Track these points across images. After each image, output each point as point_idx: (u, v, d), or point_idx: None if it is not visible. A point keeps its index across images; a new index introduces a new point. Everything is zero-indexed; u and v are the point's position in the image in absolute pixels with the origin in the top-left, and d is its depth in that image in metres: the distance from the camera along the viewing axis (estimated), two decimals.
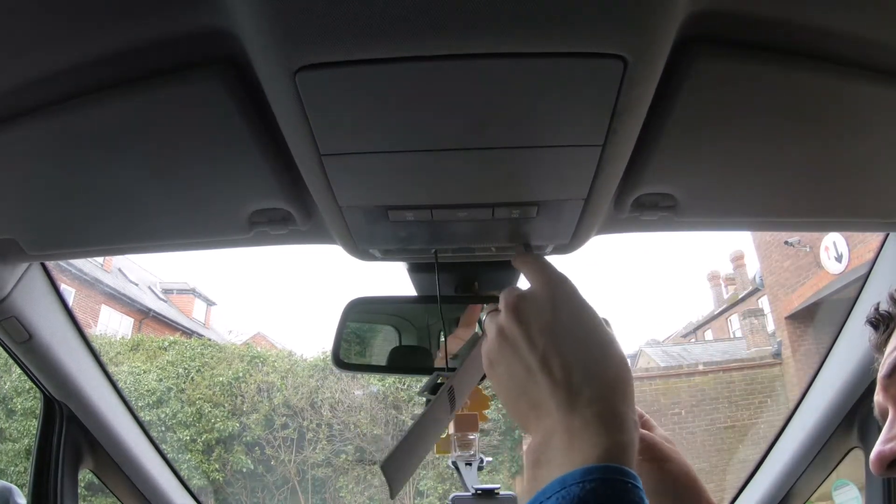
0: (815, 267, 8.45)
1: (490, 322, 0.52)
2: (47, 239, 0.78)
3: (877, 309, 0.64)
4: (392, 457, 0.57)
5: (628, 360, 0.50)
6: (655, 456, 0.67)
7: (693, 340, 20.51)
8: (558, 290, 0.50)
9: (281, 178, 0.62)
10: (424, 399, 0.76)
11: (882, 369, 0.59)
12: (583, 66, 0.44)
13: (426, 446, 0.64)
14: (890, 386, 0.57)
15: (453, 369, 0.66)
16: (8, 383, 7.60)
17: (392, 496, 0.59)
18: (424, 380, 0.81)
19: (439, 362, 0.88)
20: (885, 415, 0.58)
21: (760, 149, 0.61)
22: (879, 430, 0.61)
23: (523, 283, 0.91)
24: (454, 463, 1.26)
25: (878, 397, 0.60)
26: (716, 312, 20.97)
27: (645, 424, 0.70)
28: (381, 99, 0.47)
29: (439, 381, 0.74)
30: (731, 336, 17.94)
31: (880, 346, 0.62)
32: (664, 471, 0.66)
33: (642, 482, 0.53)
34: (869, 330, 0.64)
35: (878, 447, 0.56)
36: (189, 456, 8.01)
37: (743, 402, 9.27)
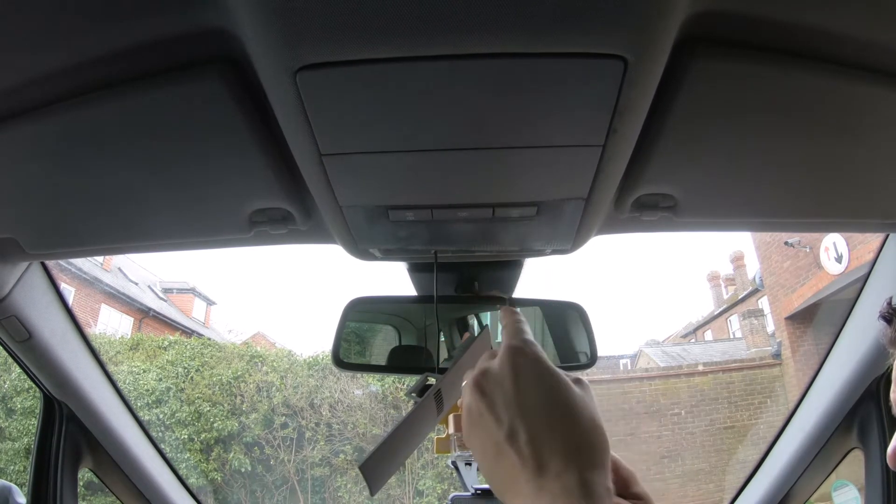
0: (815, 267, 8.45)
1: (463, 397, 0.53)
2: (47, 238, 0.78)
3: (889, 303, 0.63)
4: (372, 458, 0.58)
5: (599, 423, 0.48)
6: None
7: (693, 341, 20.51)
8: (519, 359, 0.50)
9: (281, 177, 0.62)
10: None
11: None
12: (583, 66, 0.44)
13: (409, 448, 0.64)
14: None
15: (444, 370, 0.66)
16: (7, 382, 7.59)
17: (371, 494, 0.59)
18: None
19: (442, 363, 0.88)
20: None
21: (760, 149, 0.61)
22: (883, 429, 0.60)
23: (522, 284, 0.91)
24: (454, 463, 1.25)
25: (894, 394, 0.59)
26: (715, 313, 20.96)
27: (625, 481, 0.64)
28: (381, 99, 0.47)
29: (428, 382, 0.73)
30: (731, 336, 17.94)
31: (894, 341, 0.61)
32: None
33: None
34: (882, 325, 0.64)
35: (894, 443, 0.56)
36: (188, 455, 8.01)
37: (742, 403, 9.27)
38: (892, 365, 0.62)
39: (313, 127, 0.50)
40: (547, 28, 0.41)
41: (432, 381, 0.69)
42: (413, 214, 0.64)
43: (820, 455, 1.09)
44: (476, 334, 0.69)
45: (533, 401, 0.47)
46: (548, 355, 0.94)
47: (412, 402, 0.65)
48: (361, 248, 0.75)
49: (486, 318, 0.97)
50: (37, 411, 1.13)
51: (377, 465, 0.59)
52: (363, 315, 0.96)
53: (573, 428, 0.46)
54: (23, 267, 0.92)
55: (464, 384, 0.53)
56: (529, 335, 0.53)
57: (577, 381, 0.51)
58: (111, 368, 1.24)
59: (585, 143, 0.53)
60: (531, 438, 0.45)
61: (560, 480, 0.43)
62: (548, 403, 0.47)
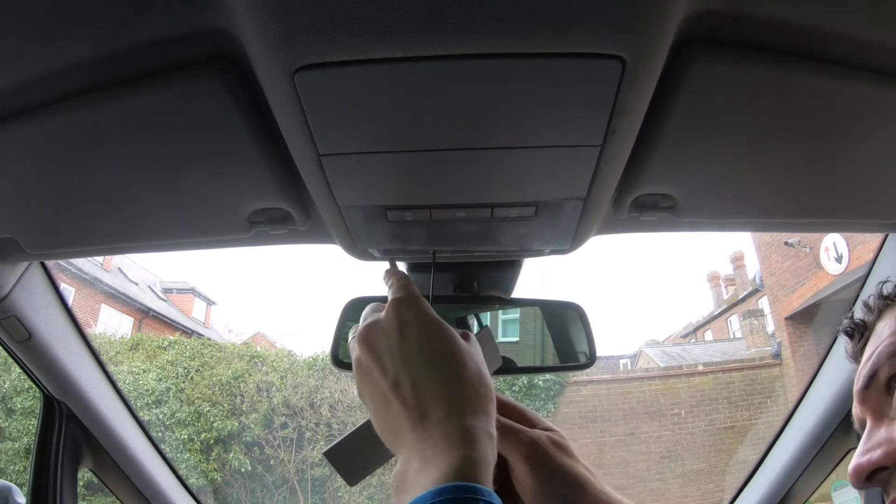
0: (815, 268, 8.45)
1: (352, 352, 0.53)
2: (47, 238, 0.78)
3: (851, 318, 0.63)
4: (337, 445, 0.58)
5: (485, 373, 0.49)
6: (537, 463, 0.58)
7: (693, 341, 20.52)
8: (403, 311, 0.50)
9: (280, 177, 0.62)
10: None
11: (858, 382, 0.58)
12: (581, 66, 0.44)
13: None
14: (867, 398, 0.56)
15: None
16: (7, 382, 7.59)
17: (349, 484, 0.59)
18: None
19: None
20: (863, 426, 0.57)
21: (760, 149, 0.61)
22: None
23: (522, 284, 0.91)
24: None
25: (856, 410, 0.58)
26: (715, 313, 20.97)
27: (531, 420, 0.63)
28: (379, 99, 0.47)
29: None
30: (731, 337, 17.95)
31: (856, 356, 0.61)
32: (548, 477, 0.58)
33: (528, 488, 0.53)
34: (844, 340, 0.63)
35: (855, 459, 0.54)
36: (188, 455, 8.01)
37: (742, 403, 9.28)
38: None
39: (311, 127, 0.50)
40: (544, 28, 0.41)
41: None
42: (411, 214, 0.64)
43: (819, 455, 1.10)
44: (475, 333, 0.69)
45: (417, 351, 0.48)
46: (547, 355, 0.94)
47: None
48: (360, 248, 0.75)
49: (486, 318, 0.97)
50: (37, 411, 1.13)
51: (344, 454, 0.59)
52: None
53: (456, 376, 0.47)
54: (23, 267, 0.93)
55: (350, 339, 0.54)
56: (415, 290, 0.54)
57: (465, 336, 0.52)
58: (111, 368, 1.24)
59: (584, 143, 0.53)
60: (414, 387, 0.46)
61: (442, 427, 0.43)
62: (431, 353, 0.48)
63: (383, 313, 0.51)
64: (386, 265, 0.67)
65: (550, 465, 0.57)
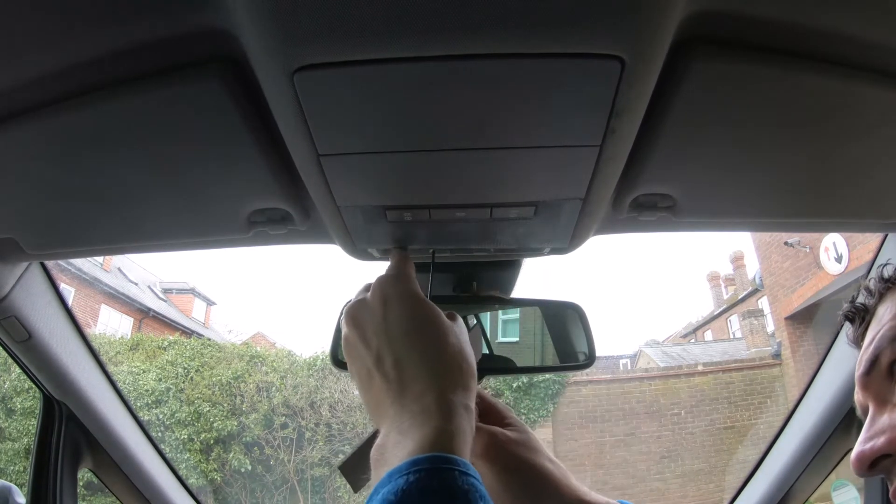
0: (815, 268, 8.45)
1: (342, 328, 0.55)
2: (47, 239, 0.79)
3: (852, 302, 0.62)
4: (351, 458, 0.60)
5: (466, 351, 0.50)
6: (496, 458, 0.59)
7: (693, 341, 20.53)
8: (388, 289, 0.52)
9: (280, 178, 0.62)
10: None
11: (859, 367, 0.57)
12: (580, 66, 0.44)
13: None
14: (869, 384, 0.55)
15: None
16: (7, 383, 7.59)
17: (355, 491, 0.60)
18: None
19: None
20: (866, 413, 0.56)
21: (759, 149, 0.61)
22: None
23: (521, 284, 0.91)
24: None
25: (858, 396, 0.57)
26: (715, 313, 20.97)
27: (500, 414, 0.63)
28: (378, 99, 0.47)
29: None
30: (731, 337, 17.95)
31: (857, 341, 0.60)
32: (510, 475, 0.58)
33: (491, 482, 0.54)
34: (846, 325, 0.63)
35: (857, 447, 0.54)
36: (188, 455, 8.01)
37: (742, 403, 9.28)
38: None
39: (311, 127, 0.50)
40: (544, 28, 0.41)
41: None
42: (411, 214, 0.64)
43: (819, 455, 1.10)
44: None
45: (399, 327, 0.49)
46: (547, 355, 0.94)
47: None
48: (359, 248, 0.75)
49: (486, 318, 0.97)
50: (36, 411, 1.13)
51: (357, 465, 0.60)
52: None
53: (437, 352, 0.48)
54: (22, 267, 0.93)
55: (340, 316, 0.56)
56: (408, 268, 0.56)
57: (451, 316, 0.53)
58: (111, 369, 1.24)
59: (583, 143, 0.53)
60: (396, 362, 0.47)
61: (420, 401, 0.44)
62: (414, 329, 0.49)
63: (370, 291, 0.53)
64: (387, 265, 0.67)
65: (507, 459, 0.58)
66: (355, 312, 0.52)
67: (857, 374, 0.57)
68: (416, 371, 0.47)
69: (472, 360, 0.50)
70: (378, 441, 0.45)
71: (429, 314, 0.51)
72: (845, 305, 0.63)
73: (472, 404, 0.47)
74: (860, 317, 0.61)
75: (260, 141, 0.56)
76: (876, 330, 0.57)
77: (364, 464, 0.61)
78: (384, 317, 0.50)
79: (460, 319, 0.54)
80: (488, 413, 0.62)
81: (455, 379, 0.47)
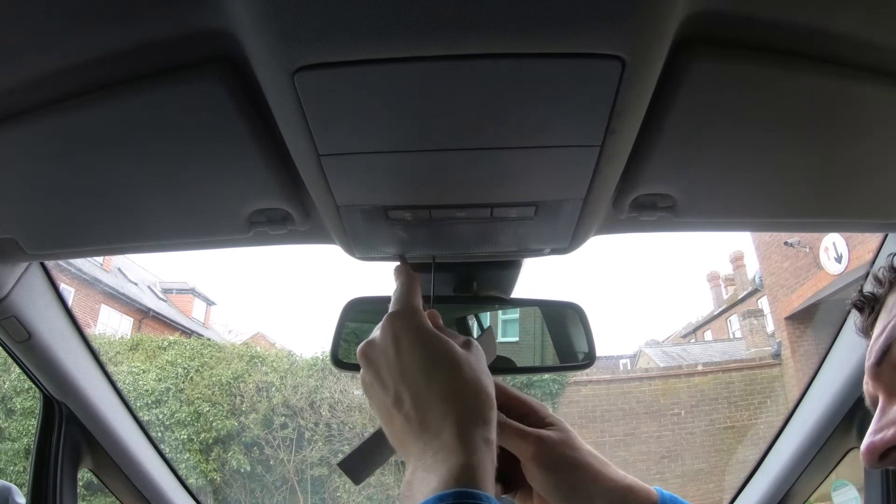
0: (815, 267, 8.46)
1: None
2: (47, 239, 0.78)
3: (861, 291, 0.61)
4: (349, 458, 0.61)
5: (484, 381, 0.50)
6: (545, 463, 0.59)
7: (692, 341, 20.53)
8: (398, 326, 0.52)
9: (280, 178, 0.62)
10: None
11: (870, 357, 0.56)
12: (581, 66, 0.44)
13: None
14: (880, 374, 0.54)
15: None
16: (7, 383, 7.59)
17: (356, 483, 0.62)
18: None
19: None
20: (875, 404, 0.55)
21: (759, 149, 0.61)
22: None
23: (521, 284, 0.91)
24: None
25: (868, 386, 0.56)
26: (715, 313, 20.97)
27: (536, 412, 0.63)
28: (379, 99, 0.47)
29: None
30: (731, 337, 17.95)
31: (867, 330, 0.59)
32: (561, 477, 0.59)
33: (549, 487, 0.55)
34: (854, 314, 0.62)
35: (868, 438, 0.53)
36: (188, 455, 8.01)
37: (742, 403, 9.28)
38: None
39: (311, 127, 0.50)
40: (544, 28, 0.41)
41: None
42: (411, 215, 0.64)
43: (819, 455, 1.10)
44: (477, 336, 0.69)
45: (413, 365, 0.49)
46: (547, 355, 0.94)
47: None
48: (360, 248, 0.75)
49: (486, 318, 0.97)
50: (36, 412, 1.13)
51: (358, 464, 0.61)
52: (362, 315, 0.96)
53: (454, 387, 0.48)
54: (22, 267, 0.92)
55: (340, 316, 0.56)
56: (414, 299, 0.56)
57: (466, 344, 0.53)
58: (111, 369, 1.24)
59: (583, 143, 0.53)
60: (414, 401, 0.48)
61: (440, 438, 0.45)
62: (427, 365, 0.49)
63: (380, 329, 0.53)
64: (391, 265, 0.67)
65: (556, 461, 0.59)
66: (368, 353, 0.53)
67: (868, 364, 0.56)
68: (434, 408, 0.47)
69: (490, 389, 0.51)
70: (406, 477, 0.46)
71: (441, 349, 0.51)
72: (854, 294, 0.61)
73: (492, 436, 0.47)
74: (869, 306, 0.60)
75: (260, 141, 0.56)
76: (886, 320, 0.56)
77: (365, 462, 0.61)
78: (397, 356, 0.50)
79: (476, 346, 0.54)
80: (529, 415, 0.63)
81: (473, 412, 0.47)
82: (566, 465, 0.59)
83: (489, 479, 0.44)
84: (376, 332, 0.54)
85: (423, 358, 0.50)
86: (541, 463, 0.59)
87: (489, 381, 0.51)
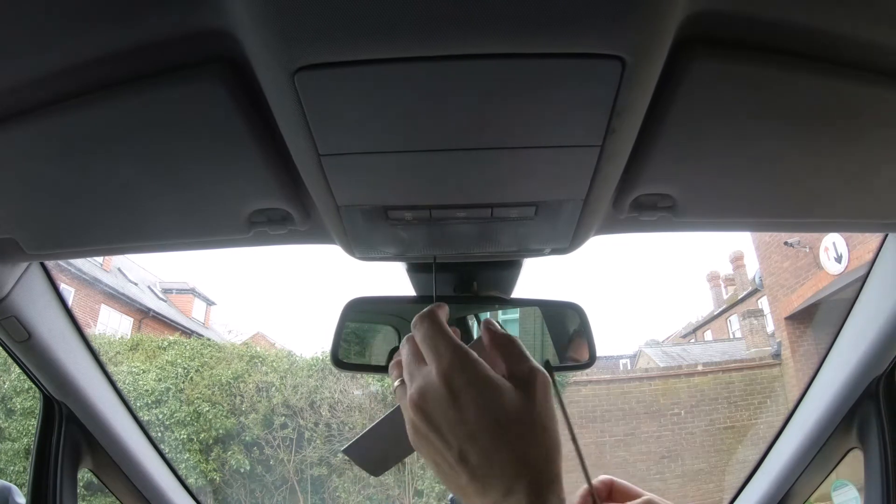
0: (815, 268, 8.45)
1: (403, 408, 0.51)
2: (47, 239, 0.78)
3: None
4: (356, 443, 0.59)
5: (550, 432, 0.48)
6: None
7: (692, 341, 20.52)
8: (455, 379, 0.47)
9: (280, 178, 0.62)
10: None
11: None
12: (581, 66, 0.44)
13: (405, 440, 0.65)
14: None
15: None
16: (7, 383, 7.59)
17: (374, 475, 0.60)
18: None
19: None
20: None
21: (759, 149, 0.61)
22: (882, 429, 0.58)
23: (521, 284, 0.91)
24: None
25: None
26: (715, 313, 20.97)
27: (625, 493, 0.61)
28: (379, 99, 0.47)
29: None
30: (731, 337, 17.94)
31: None
32: None
33: None
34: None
35: None
36: (187, 455, 8.00)
37: (742, 403, 9.27)
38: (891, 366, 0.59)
39: (312, 127, 0.50)
40: (545, 28, 0.41)
41: None
42: (411, 215, 0.64)
43: (819, 455, 1.10)
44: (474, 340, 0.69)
45: (478, 424, 0.46)
46: (547, 355, 0.94)
47: None
48: (360, 248, 0.75)
49: (486, 318, 0.97)
50: (36, 412, 1.13)
51: (363, 449, 0.60)
52: (362, 315, 0.96)
53: (525, 447, 0.46)
54: (22, 267, 0.92)
55: (397, 388, 0.52)
56: (473, 358, 0.49)
57: (525, 384, 0.49)
58: (111, 369, 1.24)
59: (584, 143, 0.53)
60: (481, 462, 0.45)
61: (512, 497, 0.44)
62: (494, 424, 0.46)
63: (433, 379, 0.48)
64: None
65: None
66: (422, 404, 0.47)
67: None
68: (506, 470, 0.45)
69: (557, 442, 0.48)
70: None
71: (506, 400, 0.47)
72: None
73: (563, 496, 0.46)
74: None
75: (260, 141, 0.56)
76: None
77: (375, 449, 0.60)
78: (458, 412, 0.46)
79: (534, 385, 0.49)
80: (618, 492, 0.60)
81: (546, 471, 0.45)
82: None
83: None
84: (428, 379, 0.48)
85: (490, 416, 0.46)
86: None
87: (555, 426, 0.48)
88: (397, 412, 0.61)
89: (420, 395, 0.48)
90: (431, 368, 0.48)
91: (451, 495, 1.07)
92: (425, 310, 0.53)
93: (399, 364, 0.52)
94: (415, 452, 0.54)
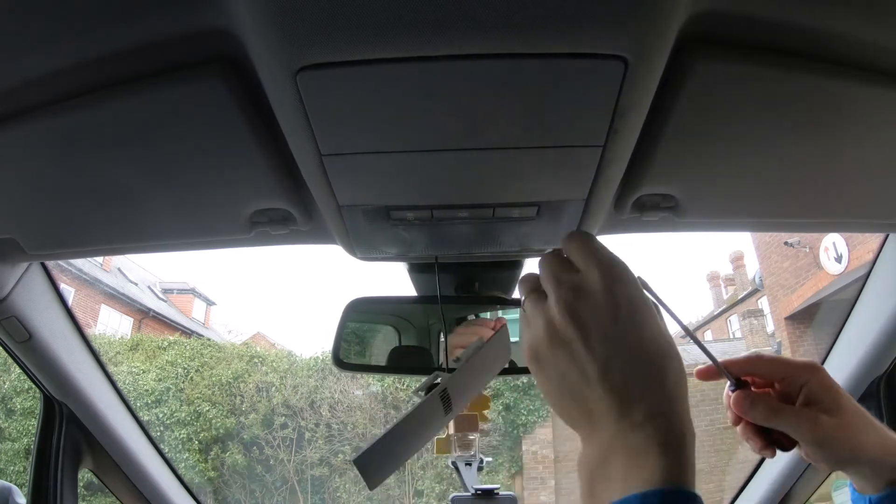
0: (815, 268, 8.45)
1: (537, 313, 0.46)
2: (47, 239, 0.78)
3: None
4: (367, 452, 0.57)
5: (681, 361, 0.45)
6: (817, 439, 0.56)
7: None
8: (618, 288, 0.44)
9: (282, 178, 0.62)
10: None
11: None
12: (583, 66, 0.44)
13: (411, 447, 0.63)
14: None
15: (454, 370, 0.66)
16: (7, 383, 7.59)
17: (370, 488, 0.58)
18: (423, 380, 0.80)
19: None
20: None
21: (761, 149, 0.61)
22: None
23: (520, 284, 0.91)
24: (454, 463, 1.25)
25: None
26: (715, 313, 20.98)
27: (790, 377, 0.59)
28: (381, 99, 0.47)
29: (437, 381, 0.73)
30: (731, 337, 17.95)
31: None
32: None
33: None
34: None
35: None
36: (187, 455, 8.01)
37: None
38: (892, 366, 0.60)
39: (313, 127, 0.50)
40: (547, 28, 0.41)
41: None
42: (413, 215, 0.64)
43: None
44: (496, 334, 0.68)
45: (631, 335, 0.43)
46: None
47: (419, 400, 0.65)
48: (361, 248, 0.75)
49: (487, 318, 0.97)
50: (36, 412, 1.13)
51: (373, 460, 0.58)
52: (363, 315, 0.96)
53: (666, 369, 0.43)
54: (23, 267, 0.92)
55: (526, 300, 0.48)
56: (622, 259, 0.47)
57: (656, 305, 0.47)
58: (111, 369, 1.24)
59: (586, 143, 0.53)
60: (626, 375, 0.42)
61: (653, 424, 0.41)
62: (645, 341, 0.44)
63: (592, 282, 0.44)
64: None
65: (827, 440, 0.56)
66: (577, 306, 0.44)
67: None
68: (646, 388, 0.42)
69: (685, 373, 0.45)
70: (591, 455, 0.42)
71: (654, 320, 0.45)
72: None
73: (693, 429, 0.43)
74: None
75: (262, 141, 0.56)
76: None
77: (382, 461, 0.58)
78: (614, 320, 0.43)
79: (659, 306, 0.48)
80: (785, 378, 0.60)
81: (682, 401, 0.43)
82: (837, 443, 0.56)
83: (694, 473, 0.40)
84: (589, 283, 0.44)
85: (642, 328, 0.43)
86: (819, 444, 0.56)
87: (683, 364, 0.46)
88: (408, 420, 0.60)
89: (576, 294, 0.44)
90: (592, 274, 0.45)
91: (451, 495, 1.07)
92: (575, 231, 0.51)
93: (529, 279, 0.49)
94: (415, 454, 0.53)
